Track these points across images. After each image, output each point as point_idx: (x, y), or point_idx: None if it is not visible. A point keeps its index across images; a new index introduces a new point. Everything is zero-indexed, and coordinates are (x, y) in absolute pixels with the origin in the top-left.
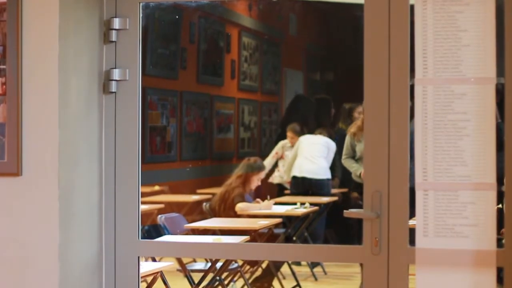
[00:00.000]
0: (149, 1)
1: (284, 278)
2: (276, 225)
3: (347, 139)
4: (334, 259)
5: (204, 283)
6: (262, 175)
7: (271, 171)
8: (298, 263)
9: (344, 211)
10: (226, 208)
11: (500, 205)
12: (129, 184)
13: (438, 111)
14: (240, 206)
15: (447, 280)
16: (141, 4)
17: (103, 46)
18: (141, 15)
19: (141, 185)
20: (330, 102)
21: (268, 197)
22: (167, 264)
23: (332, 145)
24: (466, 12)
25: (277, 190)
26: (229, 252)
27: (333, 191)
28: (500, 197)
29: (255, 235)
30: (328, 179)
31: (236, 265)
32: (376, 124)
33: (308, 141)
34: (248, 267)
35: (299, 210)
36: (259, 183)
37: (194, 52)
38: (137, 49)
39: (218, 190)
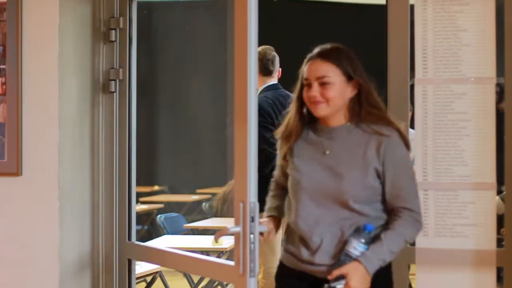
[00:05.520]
0: (149, 1)
1: None
2: None
3: None
4: None
5: (204, 283)
6: None
7: None
8: None
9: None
10: (229, 207)
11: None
12: (122, 185)
13: (438, 111)
14: None
15: (447, 280)
16: (135, 4)
17: (103, 46)
18: (135, 14)
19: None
20: None
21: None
22: None
23: None
24: (466, 12)
25: None
26: (211, 271)
27: None
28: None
29: None
30: None
31: None
32: None
33: None
34: None
35: None
36: None
37: None
38: (136, 49)
39: (218, 190)
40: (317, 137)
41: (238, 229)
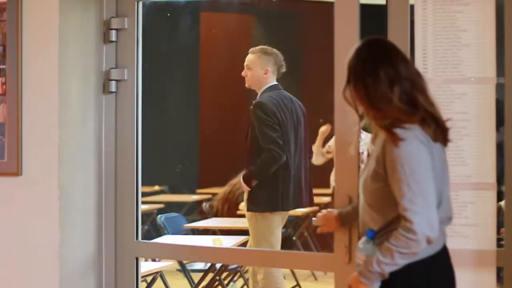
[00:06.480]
0: (150, 1)
1: (284, 278)
2: None
3: None
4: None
5: (204, 283)
6: None
7: None
8: None
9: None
10: (230, 207)
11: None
12: (127, 184)
13: None
14: (243, 205)
15: None
16: (140, 4)
17: (103, 46)
18: (140, 15)
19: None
20: None
21: None
22: (167, 264)
23: None
24: (466, 12)
25: None
26: (227, 257)
27: None
28: (499, 197)
29: None
30: None
31: (236, 265)
32: None
33: None
34: (248, 267)
35: (299, 210)
36: None
37: None
38: (136, 49)
39: (218, 190)
40: None
41: None
